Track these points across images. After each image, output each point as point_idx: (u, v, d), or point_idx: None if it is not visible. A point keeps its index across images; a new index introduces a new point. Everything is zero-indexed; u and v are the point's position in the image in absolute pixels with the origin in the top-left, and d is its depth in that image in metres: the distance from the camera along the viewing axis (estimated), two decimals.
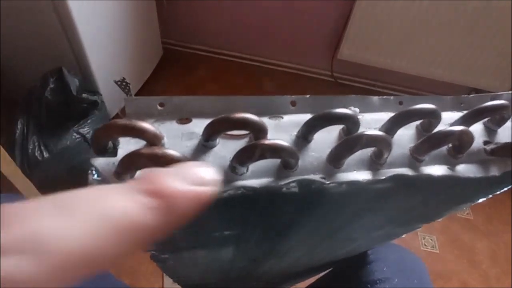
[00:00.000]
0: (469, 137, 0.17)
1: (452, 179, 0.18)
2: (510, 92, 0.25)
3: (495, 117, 0.20)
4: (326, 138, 0.18)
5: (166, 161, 0.14)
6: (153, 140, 0.16)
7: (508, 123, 0.22)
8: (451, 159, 0.19)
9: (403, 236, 0.42)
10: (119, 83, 1.19)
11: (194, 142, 0.17)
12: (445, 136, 0.17)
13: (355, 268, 0.47)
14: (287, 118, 0.19)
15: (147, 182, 0.09)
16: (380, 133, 0.16)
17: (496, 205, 1.21)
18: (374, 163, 0.17)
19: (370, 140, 0.16)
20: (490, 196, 0.30)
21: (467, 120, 0.20)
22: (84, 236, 0.08)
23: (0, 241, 0.07)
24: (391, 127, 0.18)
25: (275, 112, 0.19)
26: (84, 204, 0.08)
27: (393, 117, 0.18)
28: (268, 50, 1.56)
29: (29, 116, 0.98)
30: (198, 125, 0.17)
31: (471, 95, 0.23)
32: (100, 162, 0.15)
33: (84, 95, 1.04)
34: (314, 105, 0.20)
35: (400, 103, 0.21)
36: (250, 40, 1.54)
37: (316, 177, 0.16)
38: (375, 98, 0.21)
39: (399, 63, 1.34)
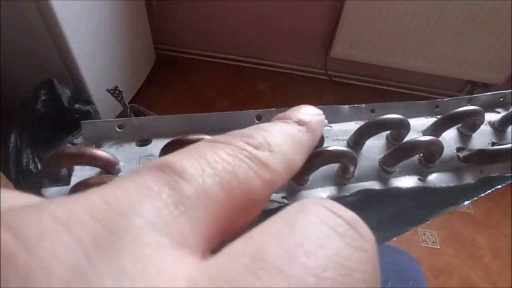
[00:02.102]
0: (438, 147, 0.17)
1: (424, 190, 0.18)
2: (488, 93, 0.24)
3: (468, 122, 0.20)
4: None
5: None
6: (106, 167, 0.15)
7: (483, 127, 0.21)
8: (422, 169, 0.18)
9: (394, 239, 0.42)
10: (111, 91, 1.19)
11: None
12: (412, 147, 0.16)
13: None
14: None
15: (289, 117, 0.13)
16: (342, 148, 0.15)
17: (496, 197, 1.20)
18: (341, 178, 0.17)
19: (332, 156, 0.15)
20: (476, 198, 0.29)
21: (439, 127, 0.19)
22: (288, 146, 0.11)
23: (253, 143, 0.10)
24: (359, 138, 0.18)
25: (240, 128, 0.19)
26: (277, 129, 0.11)
27: (359, 129, 0.18)
28: (261, 51, 1.56)
29: (22, 129, 0.98)
30: (157, 146, 0.17)
31: (446, 99, 0.23)
32: (51, 192, 0.15)
33: (76, 105, 1.04)
34: None
35: (372, 111, 0.21)
36: (243, 42, 1.54)
37: (277, 196, 0.15)
38: (345, 108, 0.20)
39: (392, 59, 1.33)
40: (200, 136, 0.15)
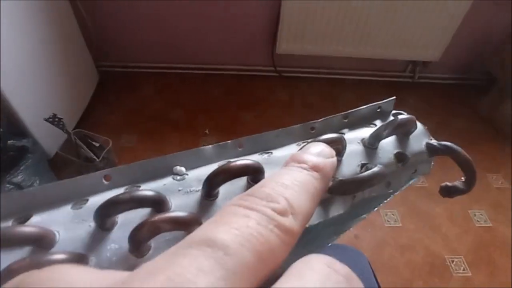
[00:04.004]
0: None
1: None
2: (364, 107, 0.24)
3: (336, 147, 0.19)
4: (131, 221, 0.15)
5: None
6: None
7: (355, 146, 0.21)
8: None
9: (329, 244, 0.42)
10: (50, 120, 1.11)
11: None
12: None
13: None
14: (92, 200, 0.16)
15: (306, 162, 0.14)
16: (173, 215, 0.14)
17: (447, 168, 1.26)
18: None
19: (163, 225, 0.14)
20: (382, 204, 0.29)
21: None
22: (305, 201, 0.12)
23: (278, 209, 0.11)
24: (209, 189, 0.16)
25: (86, 194, 0.17)
26: (294, 182, 0.12)
27: (205, 180, 0.16)
28: (208, 57, 1.53)
29: None
30: None
31: (321, 119, 0.22)
32: None
33: (10, 141, 0.96)
34: (130, 175, 0.17)
35: (240, 146, 0.20)
36: (189, 49, 1.50)
37: None
38: (208, 148, 0.19)
39: (335, 48, 1.36)
40: (11, 230, 0.13)
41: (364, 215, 0.31)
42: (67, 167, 1.21)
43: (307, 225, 0.18)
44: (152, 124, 1.37)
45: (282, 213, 0.11)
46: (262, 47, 1.47)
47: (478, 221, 1.15)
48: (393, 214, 1.14)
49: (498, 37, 1.41)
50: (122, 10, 1.35)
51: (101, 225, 0.15)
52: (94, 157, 1.16)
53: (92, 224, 0.15)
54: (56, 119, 1.11)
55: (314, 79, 1.57)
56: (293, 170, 0.13)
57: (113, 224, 0.15)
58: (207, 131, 1.33)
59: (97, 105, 1.40)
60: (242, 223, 0.10)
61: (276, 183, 0.12)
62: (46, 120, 1.09)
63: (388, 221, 1.13)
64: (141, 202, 0.15)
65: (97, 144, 1.22)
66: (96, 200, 0.16)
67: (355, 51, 1.38)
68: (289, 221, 0.11)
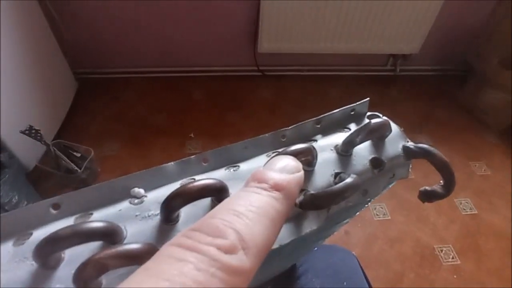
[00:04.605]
0: None
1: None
2: (337, 110, 0.23)
3: (302, 160, 0.18)
4: (80, 255, 0.14)
5: None
6: None
7: (328, 154, 0.20)
8: None
9: (316, 249, 0.41)
10: (26, 132, 1.07)
11: None
12: None
13: (286, 285, 0.45)
14: (37, 234, 0.15)
15: (266, 180, 0.12)
16: (122, 249, 0.13)
17: None
18: None
19: (111, 262, 0.12)
20: (363, 209, 0.29)
21: None
22: (262, 230, 0.11)
23: (224, 246, 0.10)
24: (167, 213, 0.15)
25: (30, 227, 0.15)
26: (249, 208, 0.11)
27: (162, 204, 0.15)
28: (190, 59, 1.50)
29: None
30: None
31: (292, 126, 0.21)
32: None
33: None
34: (82, 201, 0.16)
35: (205, 160, 0.18)
36: (169, 52, 1.47)
37: None
38: (170, 166, 0.17)
39: (317, 46, 1.36)
40: None
41: (347, 220, 0.30)
42: (48, 180, 1.16)
43: (276, 246, 0.16)
44: (135, 130, 1.33)
45: (228, 250, 0.10)
46: (244, 47, 1.45)
47: (464, 209, 1.16)
48: (382, 208, 1.15)
49: (474, 27, 1.43)
50: (97, 13, 1.31)
51: (43, 264, 0.13)
52: (76, 168, 1.12)
53: (34, 262, 0.14)
54: (33, 131, 1.07)
55: (297, 76, 1.57)
56: (251, 192, 0.12)
57: (59, 261, 0.14)
58: (192, 135, 1.31)
59: (77, 113, 1.35)
60: (175, 270, 0.09)
61: (228, 212, 0.11)
62: (22, 132, 1.05)
63: (377, 215, 1.13)
64: (88, 236, 0.13)
65: (78, 154, 1.18)
66: (41, 233, 0.15)
67: (336, 47, 1.38)
68: (236, 259, 0.10)
